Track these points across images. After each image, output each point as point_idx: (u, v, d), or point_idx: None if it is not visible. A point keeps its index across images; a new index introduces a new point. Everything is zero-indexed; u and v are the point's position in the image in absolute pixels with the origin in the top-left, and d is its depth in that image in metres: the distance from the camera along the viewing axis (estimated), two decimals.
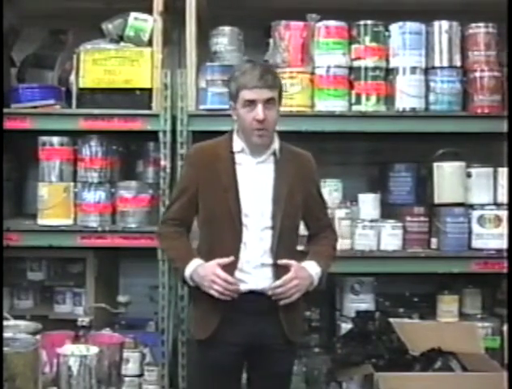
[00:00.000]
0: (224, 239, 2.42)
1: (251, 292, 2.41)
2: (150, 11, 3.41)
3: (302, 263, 2.44)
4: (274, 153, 2.47)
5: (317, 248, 2.56)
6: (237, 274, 2.40)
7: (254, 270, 2.42)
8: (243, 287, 2.41)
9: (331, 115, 3.39)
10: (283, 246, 2.41)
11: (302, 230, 2.63)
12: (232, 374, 2.50)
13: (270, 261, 2.41)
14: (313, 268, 2.45)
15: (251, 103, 2.36)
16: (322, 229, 2.61)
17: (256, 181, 2.45)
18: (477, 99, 3.42)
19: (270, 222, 2.42)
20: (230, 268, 2.38)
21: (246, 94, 2.36)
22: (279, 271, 2.39)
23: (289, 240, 2.46)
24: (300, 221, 2.58)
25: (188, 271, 2.42)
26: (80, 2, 3.62)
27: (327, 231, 2.63)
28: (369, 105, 3.40)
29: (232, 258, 2.36)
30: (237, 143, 2.47)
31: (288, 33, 3.42)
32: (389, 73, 3.45)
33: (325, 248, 2.57)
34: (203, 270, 2.38)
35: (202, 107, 3.38)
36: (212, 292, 2.36)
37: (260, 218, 2.42)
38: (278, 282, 2.37)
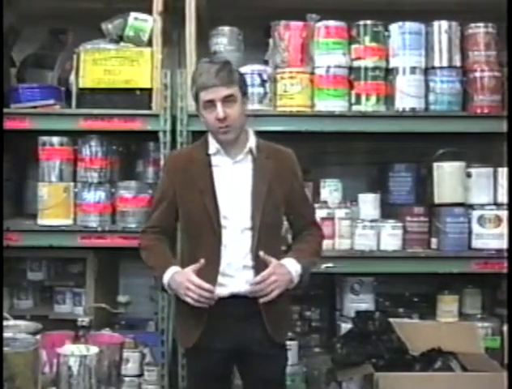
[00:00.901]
0: (204, 242, 2.40)
1: (233, 297, 2.39)
2: (150, 11, 3.41)
3: (281, 260, 2.40)
4: (250, 151, 2.46)
5: (300, 245, 2.53)
6: (220, 278, 2.38)
7: (236, 272, 2.39)
8: (225, 291, 2.39)
9: (331, 115, 3.39)
10: (265, 247, 2.36)
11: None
12: (221, 380, 2.49)
13: (251, 263, 2.39)
14: (292, 265, 2.40)
15: (210, 103, 2.36)
16: (306, 226, 2.57)
17: (234, 182, 2.43)
18: (477, 99, 3.42)
19: (249, 222, 2.40)
20: (212, 272, 2.36)
21: (204, 95, 2.36)
22: (260, 273, 2.35)
23: (271, 240, 2.41)
24: (283, 220, 2.55)
25: (165, 278, 2.38)
26: (80, 2, 3.62)
27: (312, 228, 2.59)
28: (368, 105, 3.40)
29: (202, 261, 2.31)
30: (212, 145, 2.46)
31: (287, 33, 3.42)
32: (389, 73, 3.44)
33: (307, 245, 2.53)
34: (179, 277, 2.35)
35: None
36: (187, 299, 2.32)
37: (239, 219, 2.40)
38: (257, 278, 2.33)
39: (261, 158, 2.46)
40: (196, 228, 2.44)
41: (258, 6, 3.63)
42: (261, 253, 2.34)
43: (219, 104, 2.34)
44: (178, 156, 2.60)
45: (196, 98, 2.42)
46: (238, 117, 2.39)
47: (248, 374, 2.51)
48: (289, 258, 2.43)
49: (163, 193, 2.53)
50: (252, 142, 2.47)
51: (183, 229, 2.53)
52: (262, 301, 2.34)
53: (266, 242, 2.39)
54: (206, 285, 2.30)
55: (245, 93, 2.46)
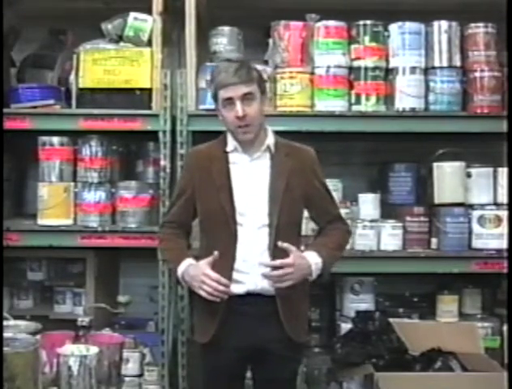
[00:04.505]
0: (220, 239, 2.40)
1: (249, 294, 2.39)
2: (149, 11, 3.41)
3: (303, 253, 2.40)
4: (268, 149, 2.46)
5: (322, 239, 2.53)
6: (235, 275, 2.37)
7: (252, 269, 2.38)
8: (241, 289, 2.38)
9: (331, 115, 3.39)
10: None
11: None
12: (234, 378, 2.48)
13: (268, 260, 2.37)
14: (312, 258, 2.38)
15: (229, 101, 2.36)
16: (331, 222, 2.56)
17: (251, 179, 2.43)
18: (477, 99, 3.42)
19: (266, 219, 2.40)
20: (226, 268, 2.35)
21: (223, 93, 2.37)
22: (277, 270, 2.33)
23: (288, 237, 2.39)
24: (302, 218, 2.54)
25: (180, 270, 2.40)
26: (80, 2, 3.62)
27: (337, 223, 2.58)
28: (368, 105, 3.40)
29: (216, 254, 2.32)
30: (231, 143, 2.47)
31: (287, 33, 3.42)
32: (388, 73, 3.44)
33: (329, 239, 2.52)
34: (194, 269, 2.36)
35: (201, 107, 3.38)
36: (201, 292, 2.32)
37: (256, 216, 2.40)
38: (276, 262, 2.31)
39: (279, 156, 2.46)
40: (212, 224, 2.44)
41: (258, 6, 3.63)
42: (280, 243, 2.32)
43: (238, 103, 2.35)
44: (198, 153, 2.59)
45: (215, 97, 2.43)
46: (257, 115, 2.40)
47: (262, 373, 2.48)
48: (310, 251, 2.42)
49: (181, 189, 2.55)
50: (270, 139, 2.47)
51: (201, 226, 2.53)
52: (275, 285, 2.33)
53: (284, 240, 2.36)
54: (223, 279, 2.30)
55: (263, 91, 2.46)
